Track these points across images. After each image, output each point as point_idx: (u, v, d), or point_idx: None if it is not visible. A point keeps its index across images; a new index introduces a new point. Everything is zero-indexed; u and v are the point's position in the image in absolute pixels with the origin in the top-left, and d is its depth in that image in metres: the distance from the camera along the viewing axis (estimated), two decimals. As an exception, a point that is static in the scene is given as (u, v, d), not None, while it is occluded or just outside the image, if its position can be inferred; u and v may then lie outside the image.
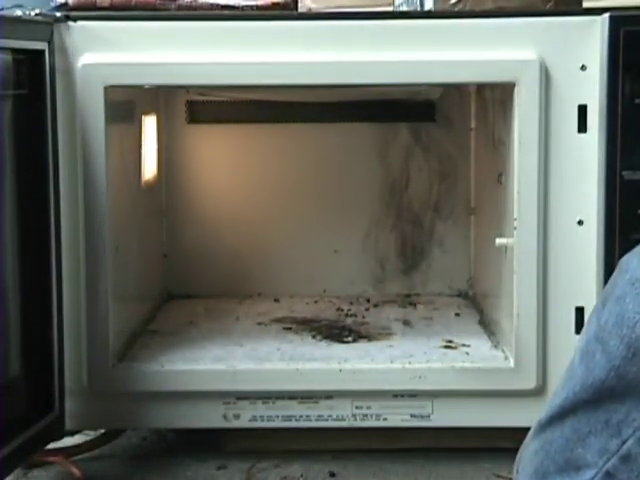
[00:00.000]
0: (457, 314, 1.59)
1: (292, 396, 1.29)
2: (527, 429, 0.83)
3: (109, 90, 1.24)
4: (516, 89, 1.23)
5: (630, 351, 0.70)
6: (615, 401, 0.72)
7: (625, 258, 0.75)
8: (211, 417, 1.29)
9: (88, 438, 1.37)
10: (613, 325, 0.72)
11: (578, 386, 0.74)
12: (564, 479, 0.75)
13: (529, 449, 0.79)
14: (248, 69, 1.25)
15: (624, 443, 0.71)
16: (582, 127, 1.23)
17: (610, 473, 0.72)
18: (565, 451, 0.75)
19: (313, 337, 1.45)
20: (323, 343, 1.42)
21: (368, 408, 1.29)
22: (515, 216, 1.25)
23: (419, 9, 1.38)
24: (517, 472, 0.81)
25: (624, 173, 1.20)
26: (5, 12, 1.22)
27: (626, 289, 0.72)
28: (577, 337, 1.23)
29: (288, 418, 1.30)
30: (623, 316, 0.71)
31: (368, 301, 1.70)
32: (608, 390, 0.72)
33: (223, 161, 1.73)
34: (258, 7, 1.36)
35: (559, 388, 0.77)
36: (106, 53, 1.24)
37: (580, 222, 1.25)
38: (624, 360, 0.71)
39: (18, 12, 1.19)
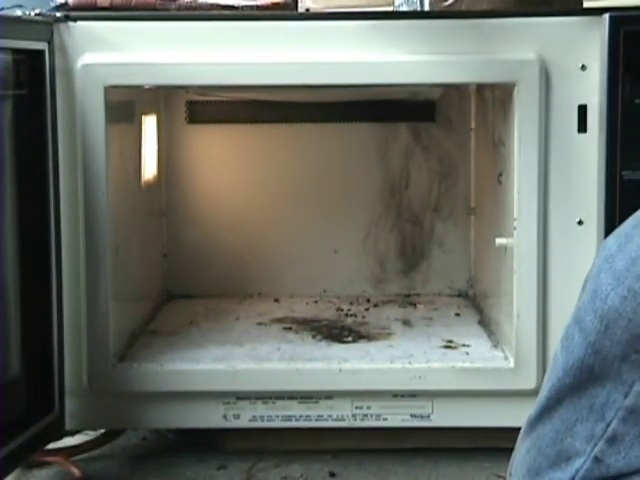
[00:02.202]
0: (457, 314, 1.59)
1: (292, 396, 1.29)
2: (527, 429, 0.83)
3: (109, 90, 1.24)
4: (516, 89, 1.23)
5: (603, 324, 0.71)
6: (596, 385, 0.72)
7: (604, 240, 0.76)
8: (211, 417, 1.29)
9: (88, 438, 1.37)
10: (588, 302, 0.73)
11: (561, 372, 0.74)
12: (556, 473, 0.75)
13: (521, 450, 0.80)
14: (248, 69, 1.25)
15: (608, 425, 0.72)
16: (582, 127, 1.24)
17: (598, 458, 0.72)
18: (555, 443, 0.75)
19: (313, 337, 1.45)
20: (323, 343, 1.42)
21: (368, 408, 1.29)
22: (515, 216, 1.25)
23: (419, 9, 1.38)
24: (510, 475, 0.81)
25: (624, 173, 1.20)
26: (5, 12, 1.22)
27: (601, 265, 0.73)
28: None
29: (288, 418, 1.30)
30: (597, 290, 0.72)
31: (368, 301, 1.70)
32: (588, 369, 0.72)
33: (223, 161, 1.73)
34: (258, 7, 1.36)
35: (545, 381, 0.78)
36: (106, 53, 1.24)
37: (580, 222, 1.25)
38: (598, 334, 0.71)
39: (18, 12, 1.20)
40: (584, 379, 0.73)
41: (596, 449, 0.72)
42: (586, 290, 0.74)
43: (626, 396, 0.71)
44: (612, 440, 0.72)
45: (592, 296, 0.72)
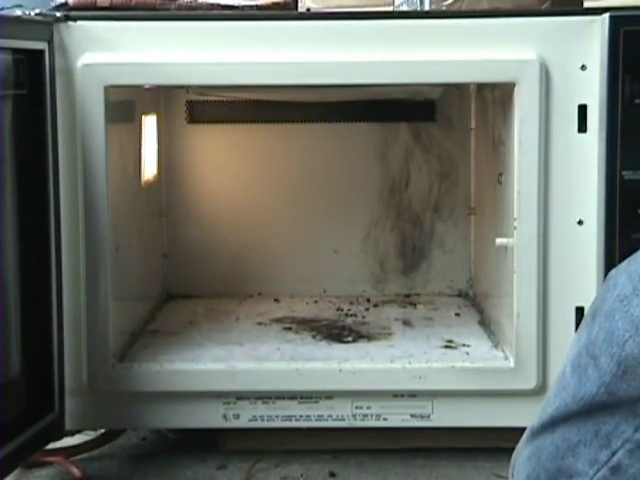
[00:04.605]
0: (457, 314, 1.59)
1: (292, 396, 1.29)
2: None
3: (109, 90, 1.24)
4: (516, 89, 1.23)
5: (620, 369, 0.70)
6: (605, 413, 0.72)
7: (613, 273, 0.75)
8: (211, 417, 1.29)
9: (88, 438, 1.37)
10: (603, 341, 0.72)
11: (570, 398, 0.74)
12: None
13: (522, 455, 0.80)
14: (248, 69, 1.25)
15: (614, 454, 0.72)
16: (582, 127, 1.23)
17: None
18: (556, 459, 0.75)
19: (313, 337, 1.45)
20: (323, 343, 1.42)
21: (368, 408, 1.29)
22: (515, 216, 1.25)
23: (419, 9, 1.38)
24: (512, 476, 0.82)
25: (624, 173, 1.20)
26: (5, 12, 1.22)
27: (615, 306, 0.72)
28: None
29: (288, 418, 1.30)
30: (613, 333, 0.71)
31: (368, 301, 1.70)
32: (599, 404, 0.72)
33: (223, 161, 1.73)
34: (258, 7, 1.36)
35: (551, 397, 0.78)
36: (106, 53, 1.24)
37: (580, 222, 1.25)
38: (614, 377, 0.71)
39: (18, 12, 1.19)
40: (594, 409, 0.73)
41: (599, 474, 0.72)
42: (599, 325, 0.74)
43: (637, 430, 0.71)
44: (616, 469, 0.72)
45: (607, 337, 0.72)
